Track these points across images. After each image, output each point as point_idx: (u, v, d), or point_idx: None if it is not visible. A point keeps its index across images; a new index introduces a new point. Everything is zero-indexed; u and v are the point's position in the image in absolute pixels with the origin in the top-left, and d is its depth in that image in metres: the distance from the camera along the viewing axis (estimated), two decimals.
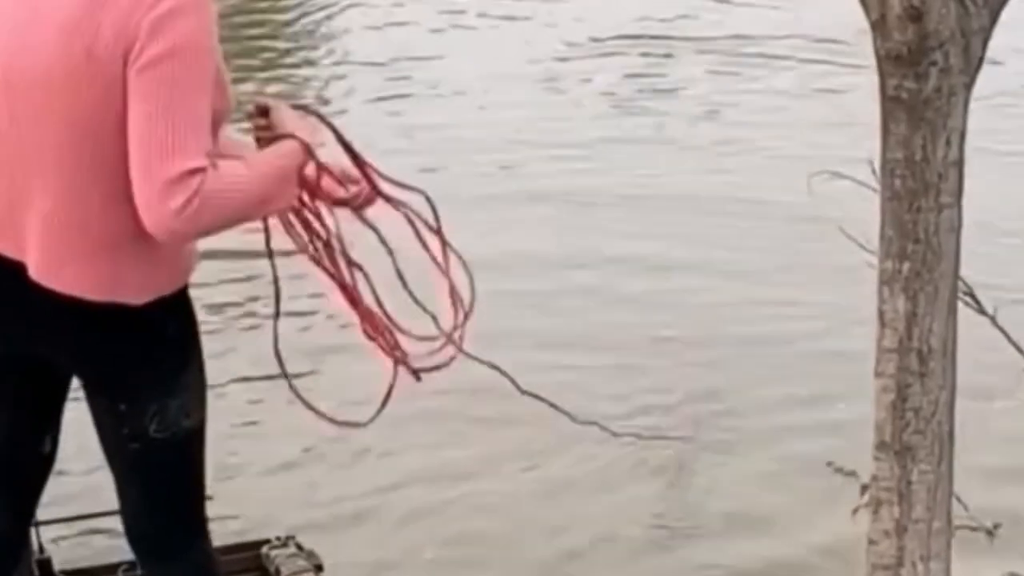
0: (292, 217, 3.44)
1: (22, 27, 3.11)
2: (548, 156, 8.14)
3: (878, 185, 2.99)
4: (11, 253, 3.21)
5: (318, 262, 3.49)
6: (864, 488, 3.85)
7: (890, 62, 2.87)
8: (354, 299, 3.50)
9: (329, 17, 10.74)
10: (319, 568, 4.39)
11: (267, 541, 4.43)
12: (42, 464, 3.51)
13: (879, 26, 2.86)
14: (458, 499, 5.25)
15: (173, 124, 3.02)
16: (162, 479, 3.40)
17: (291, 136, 3.27)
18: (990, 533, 4.65)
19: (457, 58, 9.86)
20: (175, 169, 3.01)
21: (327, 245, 3.47)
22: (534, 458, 5.47)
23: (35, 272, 3.19)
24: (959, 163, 2.92)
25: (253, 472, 5.40)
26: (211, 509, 3.53)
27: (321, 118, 3.43)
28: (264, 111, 3.34)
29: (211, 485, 3.52)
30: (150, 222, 3.05)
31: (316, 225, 3.45)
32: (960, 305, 3.06)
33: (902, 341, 2.98)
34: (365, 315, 3.51)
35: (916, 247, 2.94)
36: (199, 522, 3.48)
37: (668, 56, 9.94)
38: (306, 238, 3.46)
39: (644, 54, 9.97)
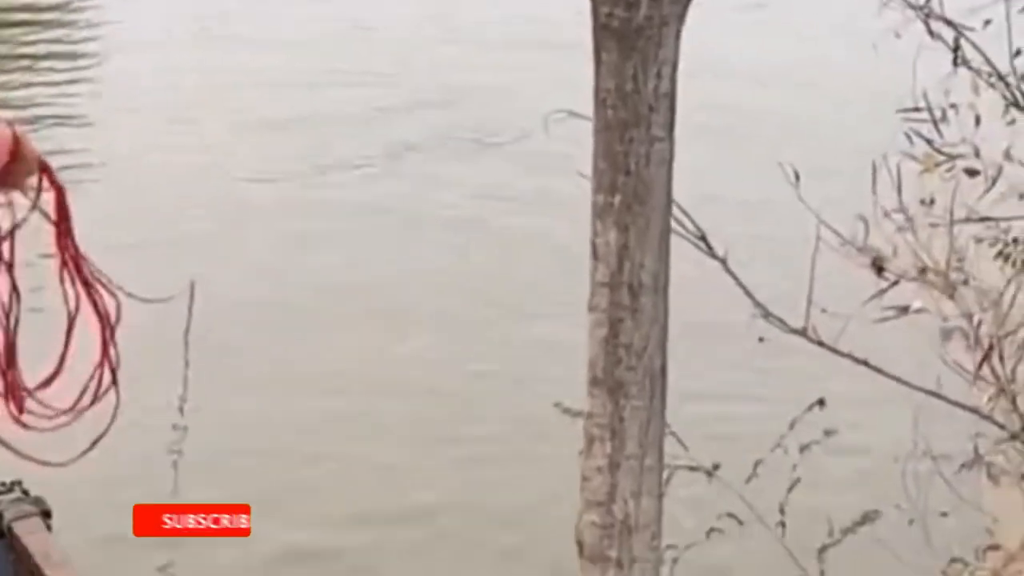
0: None
1: None
2: None
3: None
4: None
5: None
6: None
7: None
8: None
9: None
10: (47, 514, 4.25)
11: None
12: None
13: None
14: None
15: None
16: None
17: None
18: (709, 473, 4.62)
19: None
20: None
21: None
22: None
23: None
24: (671, 95, 2.88)
25: None
26: None
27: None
28: None
29: None
30: None
31: None
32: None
33: (614, 275, 2.94)
34: None
35: (627, 179, 2.89)
36: None
37: None
38: None
39: None
